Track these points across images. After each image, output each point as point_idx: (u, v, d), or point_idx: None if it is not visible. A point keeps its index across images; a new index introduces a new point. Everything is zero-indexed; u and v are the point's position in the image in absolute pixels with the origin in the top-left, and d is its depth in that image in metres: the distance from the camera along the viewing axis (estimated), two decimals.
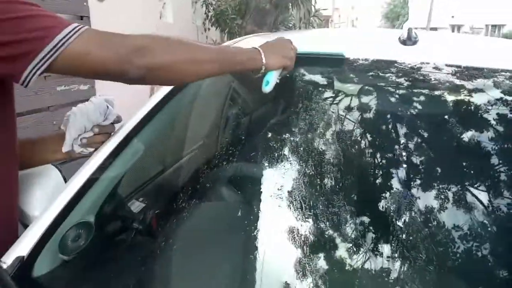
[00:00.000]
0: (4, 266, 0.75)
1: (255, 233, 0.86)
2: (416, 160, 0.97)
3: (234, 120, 1.43)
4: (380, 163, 0.99)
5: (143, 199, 0.99)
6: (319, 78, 1.26)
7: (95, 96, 1.05)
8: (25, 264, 0.77)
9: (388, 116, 1.09)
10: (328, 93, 1.20)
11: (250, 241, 0.85)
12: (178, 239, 0.89)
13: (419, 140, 1.03)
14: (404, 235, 0.81)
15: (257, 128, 1.30)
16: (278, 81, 1.00)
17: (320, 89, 1.22)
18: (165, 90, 1.20)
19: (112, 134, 1.03)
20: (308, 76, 1.26)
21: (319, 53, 1.17)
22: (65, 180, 1.09)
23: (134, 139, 1.03)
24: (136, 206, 0.97)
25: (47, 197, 1.01)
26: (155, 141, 1.18)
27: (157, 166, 1.19)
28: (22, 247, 0.80)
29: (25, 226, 1.01)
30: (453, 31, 33.22)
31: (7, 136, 0.84)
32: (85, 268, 0.81)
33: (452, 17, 31.78)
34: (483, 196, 0.87)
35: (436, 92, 1.08)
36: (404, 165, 0.96)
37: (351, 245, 0.80)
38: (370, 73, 1.17)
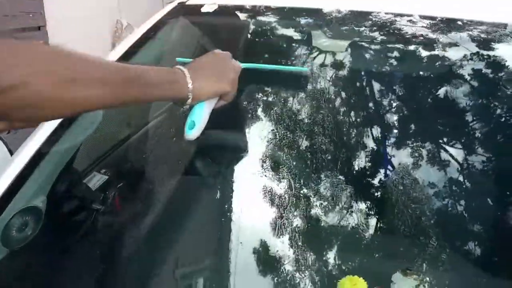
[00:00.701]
0: None
1: (229, 206, 0.81)
2: (401, 118, 0.92)
3: None
4: (366, 122, 0.94)
5: (102, 175, 0.86)
6: (293, 33, 1.15)
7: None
8: None
9: (382, 70, 1.02)
10: (307, 49, 1.10)
11: (225, 216, 0.78)
12: (146, 221, 0.78)
13: (403, 96, 0.98)
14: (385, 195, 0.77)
15: None
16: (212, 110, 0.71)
17: (296, 45, 1.12)
18: (128, 42, 1.05)
19: None
20: (282, 31, 1.15)
21: (279, 69, 0.94)
22: (11, 153, 0.94)
23: None
24: (95, 183, 0.85)
25: None
26: None
27: (119, 134, 1.05)
28: None
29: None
30: None
31: None
32: (36, 261, 0.69)
33: None
34: (460, 154, 0.84)
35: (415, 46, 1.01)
36: (390, 123, 0.91)
37: (327, 204, 0.77)
38: (349, 26, 1.07)
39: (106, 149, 0.99)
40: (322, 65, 1.04)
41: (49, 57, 0.49)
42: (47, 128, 0.83)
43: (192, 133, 0.66)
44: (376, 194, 0.78)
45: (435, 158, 0.83)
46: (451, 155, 0.83)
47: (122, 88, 0.55)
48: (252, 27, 1.16)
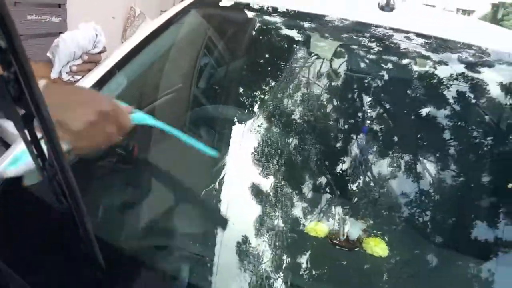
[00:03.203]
0: None
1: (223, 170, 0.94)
2: (375, 126, 1.06)
3: (209, 68, 1.49)
4: (344, 127, 1.08)
5: None
6: (296, 34, 1.32)
7: (84, 24, 1.05)
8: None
9: (361, 76, 1.18)
10: (304, 51, 1.27)
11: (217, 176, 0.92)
12: (153, 168, 0.97)
13: (383, 105, 1.14)
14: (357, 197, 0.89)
15: (230, 78, 1.36)
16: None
17: (296, 46, 1.29)
18: (147, 30, 1.22)
19: (97, 64, 1.06)
20: (285, 31, 1.32)
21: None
22: None
23: (118, 73, 1.06)
24: None
25: None
26: (138, 76, 1.21)
27: (139, 101, 1.23)
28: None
29: (5, 143, 1.03)
30: None
31: None
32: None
33: None
34: (433, 166, 0.96)
35: (405, 60, 1.18)
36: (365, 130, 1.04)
37: (307, 204, 0.87)
38: (348, 34, 1.25)
39: None
40: (318, 68, 1.20)
41: None
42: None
43: (9, 170, 0.57)
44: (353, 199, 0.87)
45: (412, 170, 0.94)
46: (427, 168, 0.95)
47: None
48: (257, 25, 1.33)
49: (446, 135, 1.04)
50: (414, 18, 1.34)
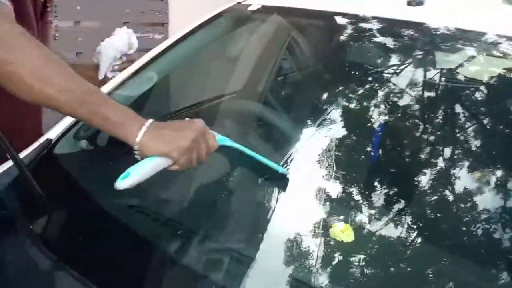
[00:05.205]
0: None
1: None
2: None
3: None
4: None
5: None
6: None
7: (119, 29, 1.26)
8: (53, 145, 1.04)
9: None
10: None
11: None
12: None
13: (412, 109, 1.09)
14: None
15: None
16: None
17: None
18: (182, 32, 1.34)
19: (134, 61, 1.26)
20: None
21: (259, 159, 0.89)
22: None
23: (147, 68, 1.22)
24: None
25: None
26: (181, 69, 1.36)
27: (174, 95, 1.39)
28: (53, 133, 1.07)
29: None
30: None
31: None
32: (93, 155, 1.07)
33: None
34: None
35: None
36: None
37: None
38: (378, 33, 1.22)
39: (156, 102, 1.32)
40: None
41: (41, 57, 0.64)
42: (117, 78, 1.19)
43: (121, 183, 0.64)
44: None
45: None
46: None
47: (79, 102, 0.64)
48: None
49: None
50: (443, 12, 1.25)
